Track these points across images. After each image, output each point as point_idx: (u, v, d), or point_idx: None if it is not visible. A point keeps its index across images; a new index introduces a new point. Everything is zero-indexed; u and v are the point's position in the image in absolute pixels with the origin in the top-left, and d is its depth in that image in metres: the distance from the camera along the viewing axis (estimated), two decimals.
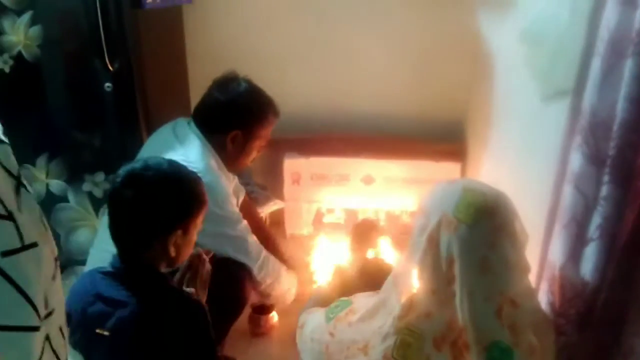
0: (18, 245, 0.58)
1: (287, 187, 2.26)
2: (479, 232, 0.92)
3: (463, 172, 2.19)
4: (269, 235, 1.88)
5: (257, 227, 1.86)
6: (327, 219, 2.33)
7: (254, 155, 1.59)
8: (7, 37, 1.65)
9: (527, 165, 1.49)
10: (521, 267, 0.97)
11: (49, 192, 1.82)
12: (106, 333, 1.06)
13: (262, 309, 1.76)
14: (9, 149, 0.62)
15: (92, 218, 1.84)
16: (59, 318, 0.67)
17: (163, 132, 1.53)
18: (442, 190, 1.00)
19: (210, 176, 1.39)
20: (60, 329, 0.68)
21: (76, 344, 1.13)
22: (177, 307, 1.10)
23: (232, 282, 1.44)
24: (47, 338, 0.63)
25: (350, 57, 2.23)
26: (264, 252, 1.55)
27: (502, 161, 1.79)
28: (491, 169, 1.93)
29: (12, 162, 0.62)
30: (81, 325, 1.10)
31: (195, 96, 1.87)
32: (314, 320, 1.18)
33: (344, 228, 2.26)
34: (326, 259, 2.03)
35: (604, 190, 0.93)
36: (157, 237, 1.11)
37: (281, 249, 1.84)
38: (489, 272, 0.92)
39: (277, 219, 2.32)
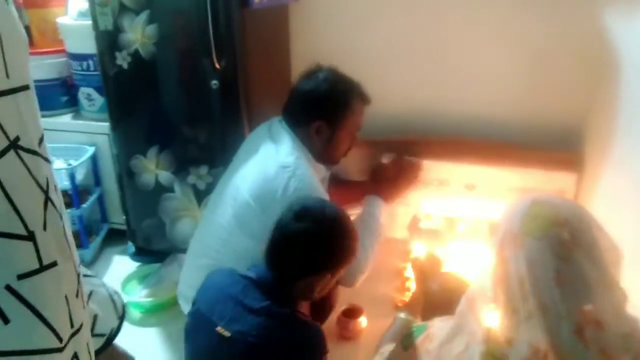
0: (36, 266, 0.57)
1: None
2: (549, 245, 0.87)
3: (579, 183, 2.01)
4: (352, 185, 1.92)
5: (341, 189, 1.87)
6: (424, 224, 2.24)
7: (346, 147, 1.56)
8: (126, 35, 1.75)
9: None
10: (606, 285, 0.89)
11: (157, 182, 1.92)
12: (227, 334, 1.09)
13: (351, 313, 1.73)
14: (41, 162, 0.60)
15: (195, 209, 1.91)
16: (86, 334, 0.66)
17: (259, 132, 1.55)
18: (514, 205, 0.96)
19: (301, 169, 1.39)
20: (87, 345, 0.67)
21: (188, 333, 1.17)
22: (298, 335, 1.13)
23: None
24: (75, 356, 0.62)
25: (458, 56, 2.12)
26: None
27: (625, 174, 1.60)
28: (611, 181, 1.74)
29: (43, 175, 0.60)
30: (205, 318, 1.14)
31: None
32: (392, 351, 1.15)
33: (441, 235, 2.17)
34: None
35: None
36: (309, 274, 1.16)
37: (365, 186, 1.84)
38: (563, 286, 0.86)
39: None
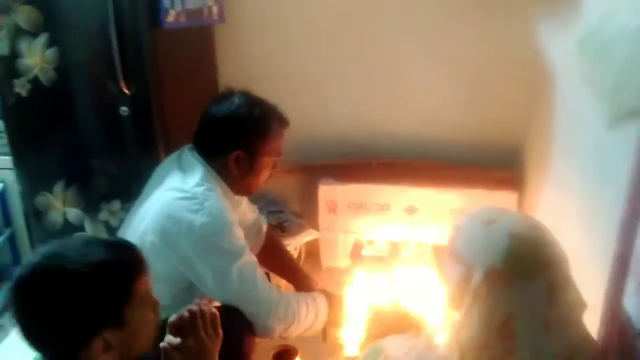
0: None
1: (322, 215, 2.09)
2: (537, 288, 0.84)
3: (520, 202, 1.95)
4: (294, 267, 1.72)
5: (280, 258, 1.73)
6: (366, 251, 2.13)
7: (267, 175, 1.41)
8: (24, 61, 1.60)
9: (593, 198, 1.25)
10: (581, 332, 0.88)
11: (66, 221, 1.74)
12: None
13: (284, 355, 1.57)
14: None
15: None
16: None
17: (167, 163, 1.40)
18: (483, 236, 0.88)
19: (210, 202, 1.24)
20: None
21: None
22: None
23: (229, 334, 1.25)
24: None
25: (395, 76, 2.06)
26: (275, 293, 1.34)
27: (565, 192, 1.54)
28: (552, 200, 1.69)
29: None
30: None
31: None
32: None
33: (386, 261, 2.06)
34: (363, 296, 1.83)
35: None
36: None
37: (311, 283, 1.66)
38: (551, 332, 0.84)
39: (313, 249, 2.15)
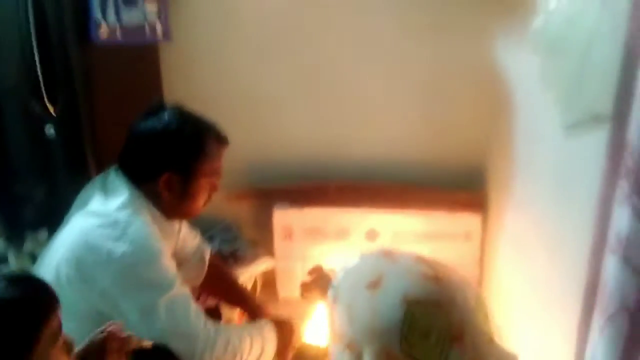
0: None
1: (278, 242, 1.97)
2: None
3: (484, 223, 1.88)
4: (244, 295, 1.62)
5: (228, 286, 1.62)
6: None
7: (205, 197, 1.26)
8: None
9: (558, 219, 1.17)
10: None
11: None
12: None
13: None
14: None
15: None
16: None
17: (92, 186, 1.26)
18: (369, 308, 0.68)
19: (133, 228, 1.11)
20: None
21: None
22: None
23: None
24: None
25: (352, 97, 1.97)
26: (211, 328, 1.19)
27: (528, 214, 1.47)
28: (516, 222, 1.62)
29: None
30: None
31: None
32: None
33: None
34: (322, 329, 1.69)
35: None
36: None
37: (264, 310, 1.54)
38: None
39: (270, 279, 2.02)
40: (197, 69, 1.95)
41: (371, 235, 1.94)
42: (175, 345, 1.10)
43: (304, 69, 1.95)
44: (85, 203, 1.19)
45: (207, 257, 1.52)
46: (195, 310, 1.15)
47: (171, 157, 1.19)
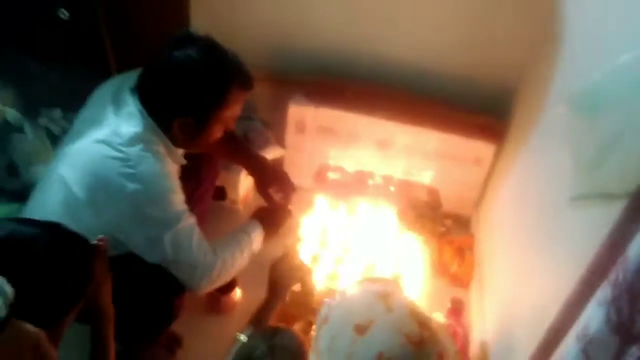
0: None
1: (290, 134, 1.98)
2: None
3: (496, 155, 1.84)
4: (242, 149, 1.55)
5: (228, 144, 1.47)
6: (332, 175, 2.06)
7: (218, 137, 1.23)
8: None
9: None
10: None
11: (4, 120, 1.59)
12: None
13: (222, 287, 1.58)
14: None
15: (51, 154, 1.61)
16: None
17: (102, 96, 1.21)
18: (350, 350, 0.72)
19: (144, 165, 1.10)
20: None
21: None
22: None
23: (156, 297, 1.21)
24: None
25: None
26: (210, 256, 1.24)
27: (542, 160, 1.39)
28: (528, 165, 1.54)
29: None
30: None
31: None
32: None
33: (350, 189, 2.01)
34: (319, 225, 1.79)
35: None
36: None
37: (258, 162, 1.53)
38: None
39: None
40: None
41: (382, 144, 1.93)
42: (176, 272, 1.19)
43: None
44: (95, 115, 1.16)
45: None
46: (197, 241, 1.20)
47: (192, 102, 1.13)
